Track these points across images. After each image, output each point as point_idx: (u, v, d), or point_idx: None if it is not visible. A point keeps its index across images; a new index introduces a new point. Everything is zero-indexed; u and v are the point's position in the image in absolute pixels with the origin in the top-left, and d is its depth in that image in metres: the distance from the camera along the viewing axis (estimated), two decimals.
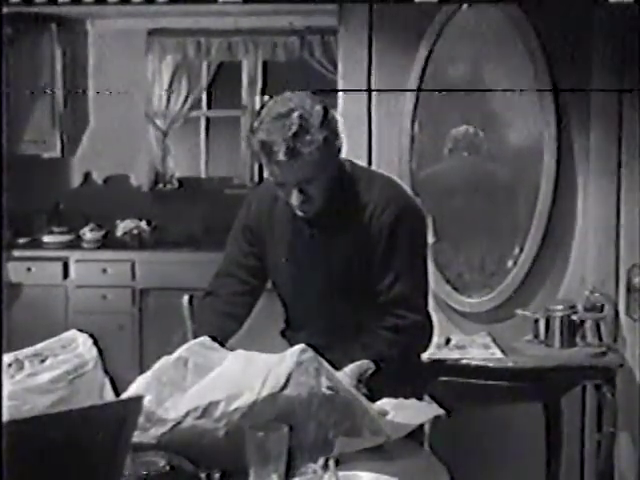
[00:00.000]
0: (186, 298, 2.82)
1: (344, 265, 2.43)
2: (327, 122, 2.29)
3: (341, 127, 2.36)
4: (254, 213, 2.57)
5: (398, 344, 2.40)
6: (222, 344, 2.28)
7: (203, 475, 1.83)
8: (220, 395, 1.88)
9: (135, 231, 5.72)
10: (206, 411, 1.87)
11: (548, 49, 3.71)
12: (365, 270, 2.42)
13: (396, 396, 2.19)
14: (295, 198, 2.33)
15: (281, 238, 2.50)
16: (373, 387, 2.26)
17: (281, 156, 2.23)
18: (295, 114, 2.24)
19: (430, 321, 2.49)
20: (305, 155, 2.24)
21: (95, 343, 2.06)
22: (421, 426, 2.20)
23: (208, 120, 6.25)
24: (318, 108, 2.28)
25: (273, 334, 2.64)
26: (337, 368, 2.15)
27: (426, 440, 2.27)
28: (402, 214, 2.42)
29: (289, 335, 2.59)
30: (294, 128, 2.22)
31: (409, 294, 2.42)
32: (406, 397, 2.20)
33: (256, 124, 2.29)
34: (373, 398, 2.14)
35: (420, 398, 2.35)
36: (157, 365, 2.04)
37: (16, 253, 5.56)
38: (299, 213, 2.40)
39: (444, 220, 3.81)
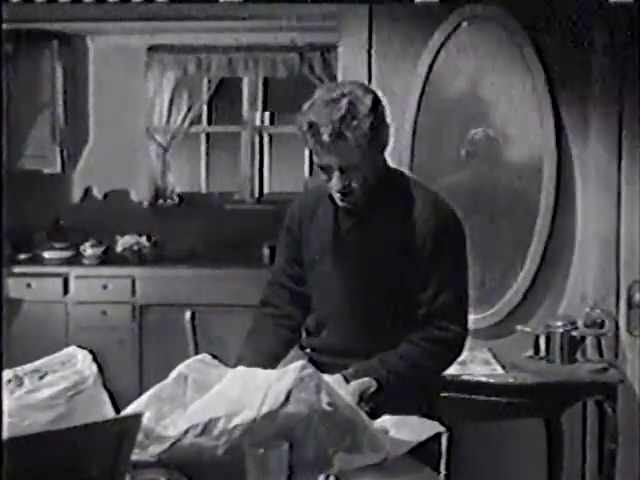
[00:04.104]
0: (188, 314, 2.83)
1: (379, 264, 2.41)
2: (376, 111, 2.31)
3: None
4: (296, 213, 2.59)
5: (437, 356, 2.41)
6: (284, 354, 2.39)
7: None
8: (220, 412, 1.87)
9: (135, 247, 5.72)
10: (206, 428, 1.86)
11: (547, 64, 3.72)
12: (401, 273, 2.40)
13: (411, 412, 2.18)
14: (336, 182, 2.33)
15: (320, 234, 2.50)
16: (385, 404, 2.23)
17: (325, 137, 2.26)
18: (345, 100, 2.28)
19: (467, 334, 2.49)
20: (350, 139, 2.27)
21: (95, 359, 2.06)
22: (439, 447, 2.19)
23: (208, 136, 6.26)
24: (369, 97, 2.32)
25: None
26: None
27: (443, 461, 2.23)
28: (448, 223, 2.44)
29: (306, 343, 2.58)
30: (342, 112, 2.26)
31: (453, 305, 2.43)
32: (416, 413, 2.19)
33: (306, 106, 2.32)
34: (377, 415, 2.14)
35: (431, 416, 2.27)
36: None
37: (16, 269, 5.55)
38: (339, 201, 2.39)
39: None
